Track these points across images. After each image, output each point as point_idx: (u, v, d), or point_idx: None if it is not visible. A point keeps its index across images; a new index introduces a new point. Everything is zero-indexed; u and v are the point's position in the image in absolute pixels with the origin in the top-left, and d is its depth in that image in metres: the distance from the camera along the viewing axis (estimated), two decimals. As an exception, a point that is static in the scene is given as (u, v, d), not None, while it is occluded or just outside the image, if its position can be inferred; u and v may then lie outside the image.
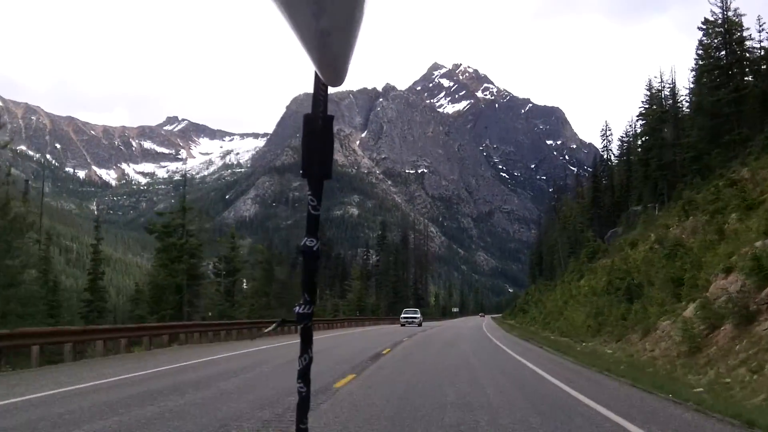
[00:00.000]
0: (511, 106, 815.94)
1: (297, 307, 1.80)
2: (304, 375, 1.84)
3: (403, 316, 74.49)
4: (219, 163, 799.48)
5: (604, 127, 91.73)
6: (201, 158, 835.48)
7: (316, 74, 1.61)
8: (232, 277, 59.83)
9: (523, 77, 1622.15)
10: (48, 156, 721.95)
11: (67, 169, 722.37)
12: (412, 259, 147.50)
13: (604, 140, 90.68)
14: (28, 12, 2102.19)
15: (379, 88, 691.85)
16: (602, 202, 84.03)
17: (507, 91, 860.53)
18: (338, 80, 1.45)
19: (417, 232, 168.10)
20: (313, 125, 1.70)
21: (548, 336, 39.87)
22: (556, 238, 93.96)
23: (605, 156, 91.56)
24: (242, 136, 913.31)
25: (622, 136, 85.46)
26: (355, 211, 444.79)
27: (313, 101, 1.69)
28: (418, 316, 74.91)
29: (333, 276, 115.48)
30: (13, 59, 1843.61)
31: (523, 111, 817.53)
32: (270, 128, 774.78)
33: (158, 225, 51.69)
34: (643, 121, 69.80)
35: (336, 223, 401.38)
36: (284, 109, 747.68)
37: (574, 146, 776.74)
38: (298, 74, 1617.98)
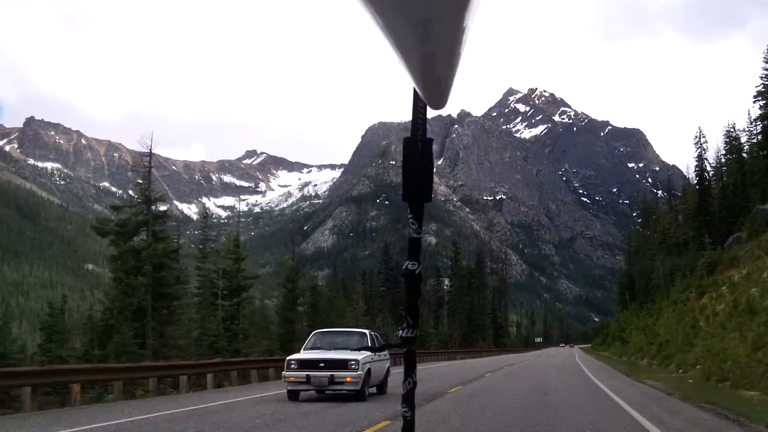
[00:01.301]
0: (589, 129, 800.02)
1: (400, 331, 1.79)
2: (408, 399, 1.82)
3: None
4: (297, 194, 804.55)
5: (698, 135, 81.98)
6: (280, 190, 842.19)
7: (415, 97, 1.65)
8: (235, 298, 47.98)
9: (600, 99, 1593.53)
10: (130, 191, 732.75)
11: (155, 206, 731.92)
12: (489, 285, 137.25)
13: (698, 148, 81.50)
14: (106, 55, 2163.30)
15: (454, 115, 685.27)
16: (711, 207, 74.53)
17: (585, 114, 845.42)
18: (441, 103, 1.43)
19: (494, 258, 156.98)
20: (413, 148, 1.70)
21: (699, 381, 24.84)
22: (653, 255, 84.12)
23: (699, 166, 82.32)
24: (320, 167, 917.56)
25: (730, 129, 76.16)
26: (432, 239, 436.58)
27: (412, 124, 1.69)
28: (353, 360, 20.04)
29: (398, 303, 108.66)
30: (94, 98, 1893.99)
31: (602, 134, 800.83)
32: (347, 159, 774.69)
33: (111, 224, 39.54)
34: (764, 101, 60.71)
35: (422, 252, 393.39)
36: (359, 139, 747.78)
37: (657, 168, 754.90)
38: (373, 104, 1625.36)
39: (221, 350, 40.11)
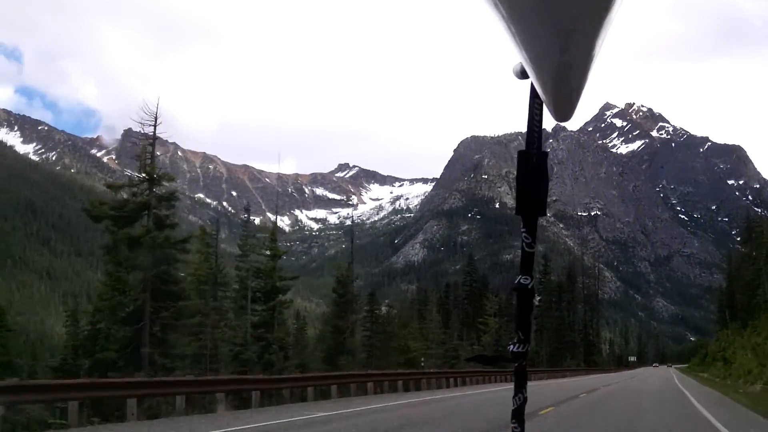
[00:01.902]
0: (688, 144, 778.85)
1: (511, 346, 1.78)
2: (518, 415, 1.82)
3: None
4: (389, 208, 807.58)
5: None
6: (371, 204, 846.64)
7: (531, 111, 1.64)
8: (270, 302, 41.40)
9: (700, 115, 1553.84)
10: (224, 203, 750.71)
11: (243, 215, 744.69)
12: (581, 300, 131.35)
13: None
14: (201, 67, 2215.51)
15: (549, 129, 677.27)
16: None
17: (684, 130, 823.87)
18: (569, 115, 1.41)
19: (587, 274, 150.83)
20: (528, 162, 1.69)
21: None
22: (758, 270, 79.18)
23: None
24: (412, 181, 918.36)
25: None
26: (534, 252, 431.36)
27: (527, 138, 1.69)
28: None
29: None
30: (190, 111, 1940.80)
31: (701, 150, 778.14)
32: (439, 173, 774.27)
33: (106, 207, 32.24)
34: None
35: (506, 267, 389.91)
36: (452, 153, 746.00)
37: (758, 185, 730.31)
38: (465, 118, 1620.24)
39: (248, 363, 35.73)
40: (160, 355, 29.17)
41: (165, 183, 34.97)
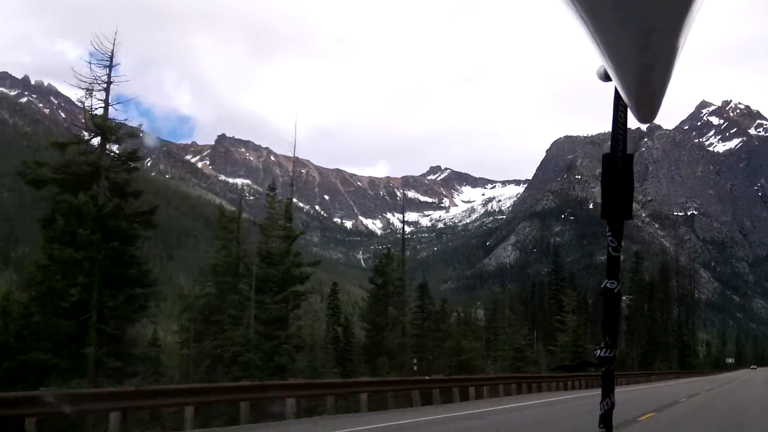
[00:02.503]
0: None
1: (598, 351, 1.79)
2: (605, 420, 1.82)
3: None
4: (481, 210, 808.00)
5: None
6: (463, 206, 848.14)
7: (615, 113, 1.67)
8: (282, 293, 33.95)
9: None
10: (317, 207, 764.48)
11: (335, 219, 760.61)
12: (675, 300, 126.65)
13: None
14: (294, 72, 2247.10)
15: (644, 128, 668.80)
16: None
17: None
18: (652, 116, 1.40)
19: (681, 273, 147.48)
20: (613, 165, 1.69)
21: None
22: None
23: None
24: (504, 183, 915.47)
25: None
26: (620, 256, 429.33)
27: (612, 140, 1.71)
28: None
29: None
30: (283, 116, 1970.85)
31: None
32: (531, 174, 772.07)
33: (47, 169, 25.13)
34: None
35: (599, 269, 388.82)
36: (544, 154, 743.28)
37: None
38: (558, 118, 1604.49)
39: (250, 366, 29.50)
40: (109, 357, 23.54)
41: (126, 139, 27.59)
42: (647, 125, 1.57)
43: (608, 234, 1.74)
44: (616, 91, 1.57)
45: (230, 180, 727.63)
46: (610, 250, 1.76)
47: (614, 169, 1.69)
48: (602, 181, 1.71)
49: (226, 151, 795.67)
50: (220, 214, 41.54)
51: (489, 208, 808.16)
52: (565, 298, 75.03)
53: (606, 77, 1.45)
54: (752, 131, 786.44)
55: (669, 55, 1.17)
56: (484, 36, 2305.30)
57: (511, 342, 60.58)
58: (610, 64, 1.22)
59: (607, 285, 1.75)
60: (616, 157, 1.70)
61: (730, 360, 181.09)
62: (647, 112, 1.39)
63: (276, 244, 34.87)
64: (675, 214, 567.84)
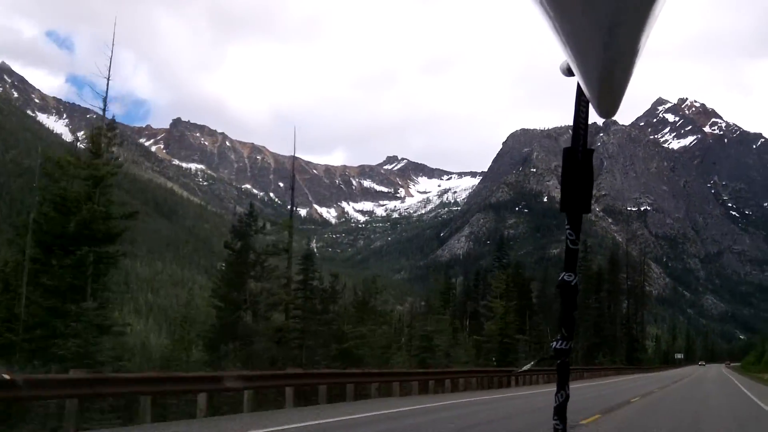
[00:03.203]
0: (741, 141, 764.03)
1: (554, 343, 1.81)
2: (560, 412, 1.84)
3: None
4: (436, 201, 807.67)
5: None
6: (419, 197, 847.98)
7: (577, 108, 1.67)
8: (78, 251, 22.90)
9: (754, 110, 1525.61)
10: (271, 194, 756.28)
11: (289, 206, 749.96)
12: (625, 293, 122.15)
13: None
14: (252, 58, 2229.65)
15: (600, 123, 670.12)
16: None
17: (737, 126, 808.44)
18: (613, 111, 1.41)
19: (631, 266, 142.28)
20: (573, 159, 1.70)
21: None
22: None
23: None
24: (460, 174, 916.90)
25: None
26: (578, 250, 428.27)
27: (572, 134, 1.72)
28: None
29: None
30: (240, 101, 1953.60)
31: (754, 146, 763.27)
32: (487, 166, 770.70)
33: None
34: None
35: (553, 261, 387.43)
36: (501, 146, 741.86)
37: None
38: (515, 111, 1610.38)
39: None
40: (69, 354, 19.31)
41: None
42: (604, 120, 1.64)
43: (567, 227, 1.75)
44: (579, 86, 1.57)
45: (184, 165, 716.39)
46: (568, 243, 1.78)
47: (574, 163, 1.71)
48: (562, 175, 1.72)
49: (181, 135, 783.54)
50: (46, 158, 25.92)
51: (444, 199, 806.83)
52: (494, 282, 67.88)
53: (569, 72, 1.46)
54: (707, 129, 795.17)
55: (632, 51, 1.18)
56: (444, 27, 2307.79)
57: (429, 332, 49.65)
58: (574, 59, 1.23)
59: (565, 278, 1.77)
60: (577, 151, 1.70)
61: (679, 356, 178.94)
62: (609, 108, 1.40)
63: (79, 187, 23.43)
64: (628, 209, 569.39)
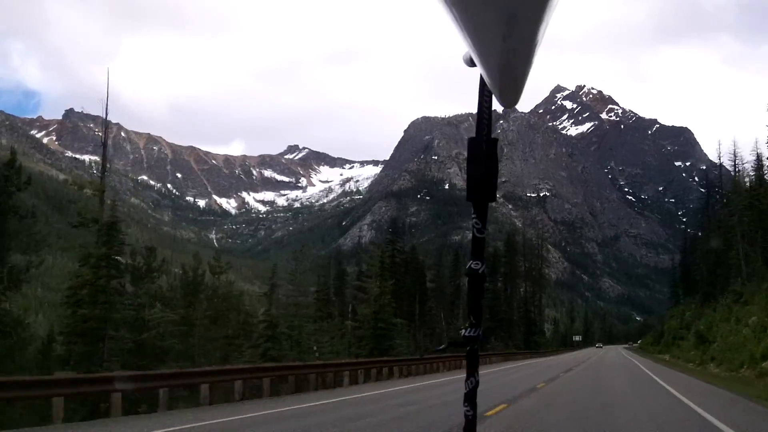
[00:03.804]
0: (637, 127, 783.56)
1: (463, 330, 1.79)
2: (470, 398, 1.84)
3: None
4: (338, 190, 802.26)
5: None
6: (321, 186, 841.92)
7: (481, 97, 1.66)
8: None
9: (649, 97, 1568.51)
10: (169, 185, 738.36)
11: (187, 198, 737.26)
12: (522, 275, 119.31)
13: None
14: (150, 48, 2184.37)
15: (500, 110, 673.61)
16: None
17: (633, 112, 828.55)
18: (515, 101, 1.43)
19: (529, 248, 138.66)
20: (478, 149, 1.70)
21: None
22: (732, 228, 70.43)
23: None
24: (362, 163, 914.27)
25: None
26: (469, 233, 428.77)
27: (477, 124, 1.71)
28: None
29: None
30: (136, 91, 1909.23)
31: (650, 132, 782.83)
32: (389, 155, 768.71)
33: None
34: None
35: (454, 248, 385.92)
36: (402, 134, 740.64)
37: (704, 167, 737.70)
38: (416, 99, 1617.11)
39: None
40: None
41: None
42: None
43: (473, 216, 1.75)
44: (481, 76, 1.54)
45: (78, 156, 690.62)
46: (474, 232, 1.77)
47: (479, 153, 1.70)
48: (467, 165, 1.72)
49: (74, 126, 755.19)
50: None
51: (347, 188, 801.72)
52: (368, 260, 61.84)
53: (471, 63, 1.43)
54: (604, 116, 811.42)
55: (531, 41, 1.18)
56: (346, 15, 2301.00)
57: (272, 317, 41.82)
58: (475, 50, 1.23)
59: (472, 266, 1.76)
60: (481, 140, 1.70)
61: (577, 338, 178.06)
62: (510, 98, 1.41)
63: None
64: (528, 195, 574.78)
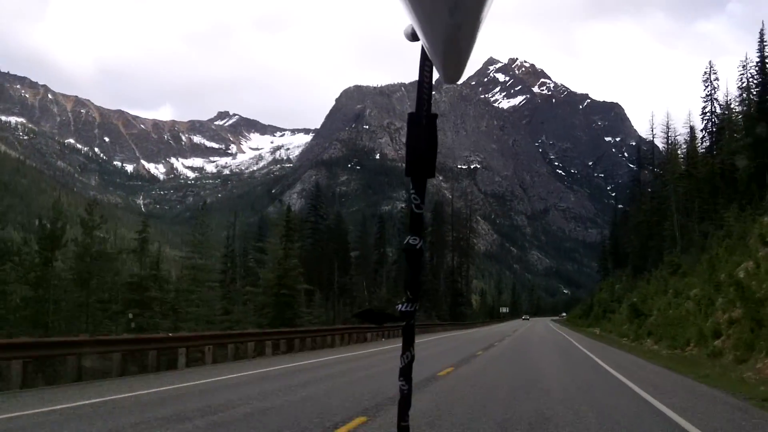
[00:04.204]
0: (568, 101, 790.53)
1: (400, 305, 1.78)
2: (406, 373, 1.83)
3: None
4: (269, 158, 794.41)
5: (708, 71, 70.40)
6: (251, 153, 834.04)
7: (421, 73, 1.63)
8: None
9: (581, 72, 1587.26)
10: (96, 149, 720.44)
11: (115, 162, 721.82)
12: (449, 245, 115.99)
13: (707, 86, 69.86)
14: (79, 7, 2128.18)
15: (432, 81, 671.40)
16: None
17: (564, 87, 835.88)
18: (458, 76, 1.39)
19: (457, 217, 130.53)
20: (417, 124, 1.68)
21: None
22: (667, 197, 67.27)
23: (710, 108, 70.10)
24: (293, 131, 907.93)
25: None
26: (403, 206, 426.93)
27: (417, 100, 1.69)
28: None
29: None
30: (64, 53, 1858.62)
31: (581, 107, 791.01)
32: (320, 123, 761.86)
33: None
34: None
35: (385, 218, 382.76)
36: (334, 102, 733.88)
37: (634, 143, 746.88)
38: (349, 67, 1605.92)
39: None
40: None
41: None
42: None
43: (412, 191, 1.72)
44: (423, 51, 1.52)
45: (3, 118, 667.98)
46: (413, 208, 1.73)
47: (419, 128, 1.67)
48: (407, 140, 1.69)
49: (0, 87, 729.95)
50: None
51: (277, 156, 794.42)
52: (273, 220, 58.85)
53: (413, 37, 1.43)
54: (536, 89, 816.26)
55: (476, 16, 1.17)
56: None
57: (141, 277, 37.30)
58: (419, 25, 1.21)
59: (410, 241, 1.72)
60: (421, 116, 1.67)
61: (504, 309, 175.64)
62: (453, 73, 1.39)
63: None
64: (459, 167, 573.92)
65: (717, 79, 70.68)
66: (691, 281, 39.38)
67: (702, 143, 72.79)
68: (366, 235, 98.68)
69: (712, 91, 70.34)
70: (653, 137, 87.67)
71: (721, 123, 67.02)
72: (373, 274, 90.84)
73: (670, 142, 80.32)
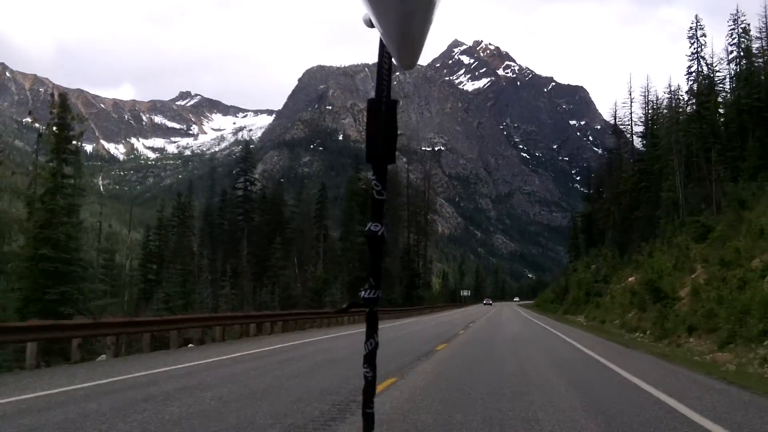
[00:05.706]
0: (533, 84, 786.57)
1: (362, 292, 1.77)
2: (370, 360, 1.82)
3: None
4: (231, 139, 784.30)
5: (694, 26, 63.57)
6: (213, 134, 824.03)
7: (380, 59, 1.64)
8: None
9: (546, 55, 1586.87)
10: (55, 129, 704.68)
11: (74, 142, 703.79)
12: (404, 220, 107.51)
13: (693, 43, 62.97)
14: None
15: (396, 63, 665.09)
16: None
17: (529, 69, 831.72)
18: (413, 62, 1.41)
19: (413, 188, 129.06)
20: (377, 110, 1.68)
21: None
22: (660, 157, 59.54)
23: (697, 68, 63.20)
24: (256, 112, 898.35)
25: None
26: (384, 199, 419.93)
27: (376, 86, 1.69)
28: None
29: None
30: (22, 30, 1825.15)
31: (546, 90, 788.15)
32: (282, 104, 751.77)
33: None
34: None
35: (347, 199, 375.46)
36: (296, 82, 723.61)
37: (599, 127, 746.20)
38: (311, 47, 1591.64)
39: None
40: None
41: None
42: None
43: (372, 178, 1.73)
44: (381, 37, 1.49)
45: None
46: (374, 194, 1.74)
47: (379, 114, 1.67)
48: (367, 126, 1.69)
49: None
50: None
51: (239, 137, 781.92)
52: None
53: (371, 24, 1.41)
54: (501, 72, 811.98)
55: (429, 2, 1.18)
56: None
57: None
58: (373, 12, 1.23)
59: (371, 227, 1.72)
60: (381, 102, 1.66)
61: (465, 293, 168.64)
62: (408, 59, 1.40)
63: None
64: (423, 149, 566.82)
65: (704, 35, 63.92)
66: (746, 245, 27.79)
67: (687, 106, 66.12)
68: (300, 203, 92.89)
69: (699, 49, 63.61)
70: (631, 101, 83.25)
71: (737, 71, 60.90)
72: (310, 251, 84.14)
73: (648, 105, 75.28)
